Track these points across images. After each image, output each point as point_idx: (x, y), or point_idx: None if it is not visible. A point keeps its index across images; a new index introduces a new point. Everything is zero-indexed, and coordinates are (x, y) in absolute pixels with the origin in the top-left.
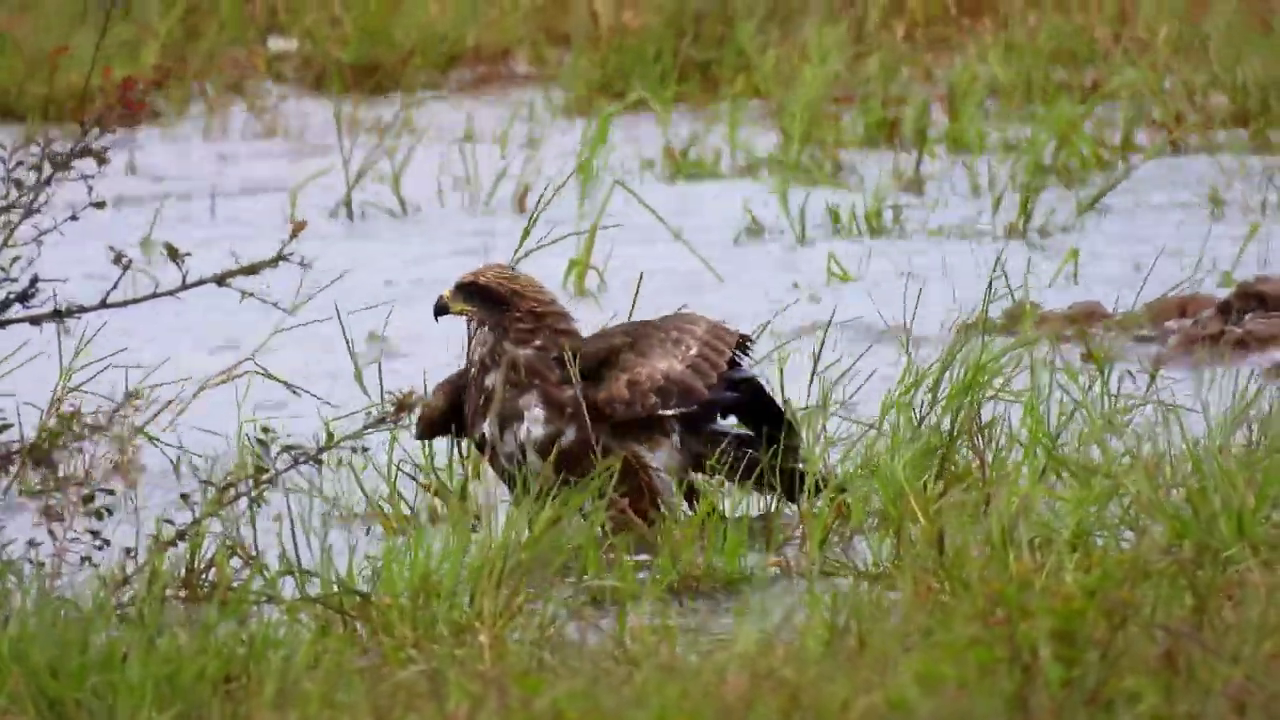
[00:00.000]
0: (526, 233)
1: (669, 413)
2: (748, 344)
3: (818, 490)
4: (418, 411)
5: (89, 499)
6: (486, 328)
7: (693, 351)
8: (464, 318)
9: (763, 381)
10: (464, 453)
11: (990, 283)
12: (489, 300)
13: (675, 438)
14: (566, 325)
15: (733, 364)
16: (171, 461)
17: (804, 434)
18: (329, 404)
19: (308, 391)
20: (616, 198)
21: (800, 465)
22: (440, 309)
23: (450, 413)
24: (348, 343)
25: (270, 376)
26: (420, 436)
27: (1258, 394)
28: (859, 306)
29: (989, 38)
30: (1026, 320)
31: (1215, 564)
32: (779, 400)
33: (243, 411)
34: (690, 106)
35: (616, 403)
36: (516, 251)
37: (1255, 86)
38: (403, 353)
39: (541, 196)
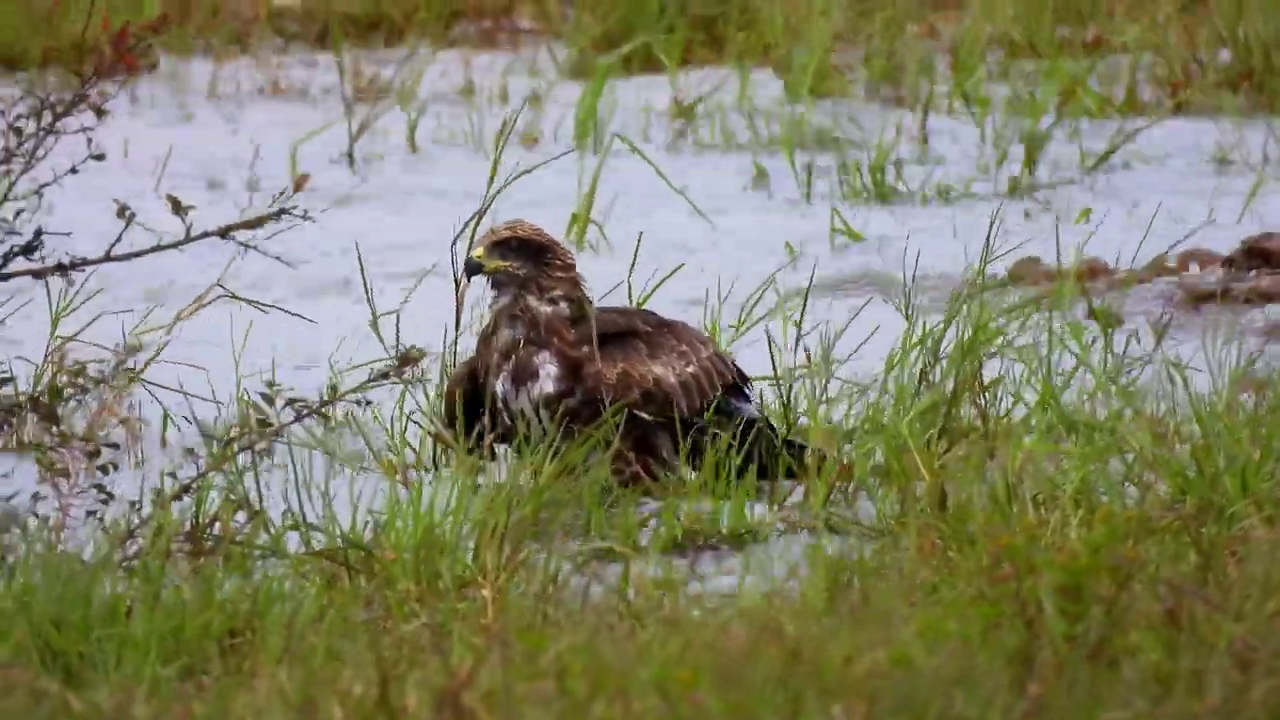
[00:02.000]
0: (493, 180)
1: (643, 415)
2: (746, 382)
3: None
4: (429, 375)
5: (94, 454)
6: (506, 285)
7: (690, 369)
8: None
9: (764, 424)
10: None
11: (988, 239)
12: (530, 252)
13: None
14: (582, 287)
15: (740, 393)
16: (169, 416)
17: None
18: (307, 320)
19: (279, 308)
20: (620, 155)
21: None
22: (474, 269)
23: (473, 387)
24: (366, 290)
25: (245, 300)
26: (448, 414)
27: (1260, 351)
28: (862, 264)
29: None
30: (1030, 278)
31: (1219, 520)
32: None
33: (243, 365)
34: (696, 63)
35: (603, 385)
36: (488, 189)
37: (1258, 43)
38: (411, 308)
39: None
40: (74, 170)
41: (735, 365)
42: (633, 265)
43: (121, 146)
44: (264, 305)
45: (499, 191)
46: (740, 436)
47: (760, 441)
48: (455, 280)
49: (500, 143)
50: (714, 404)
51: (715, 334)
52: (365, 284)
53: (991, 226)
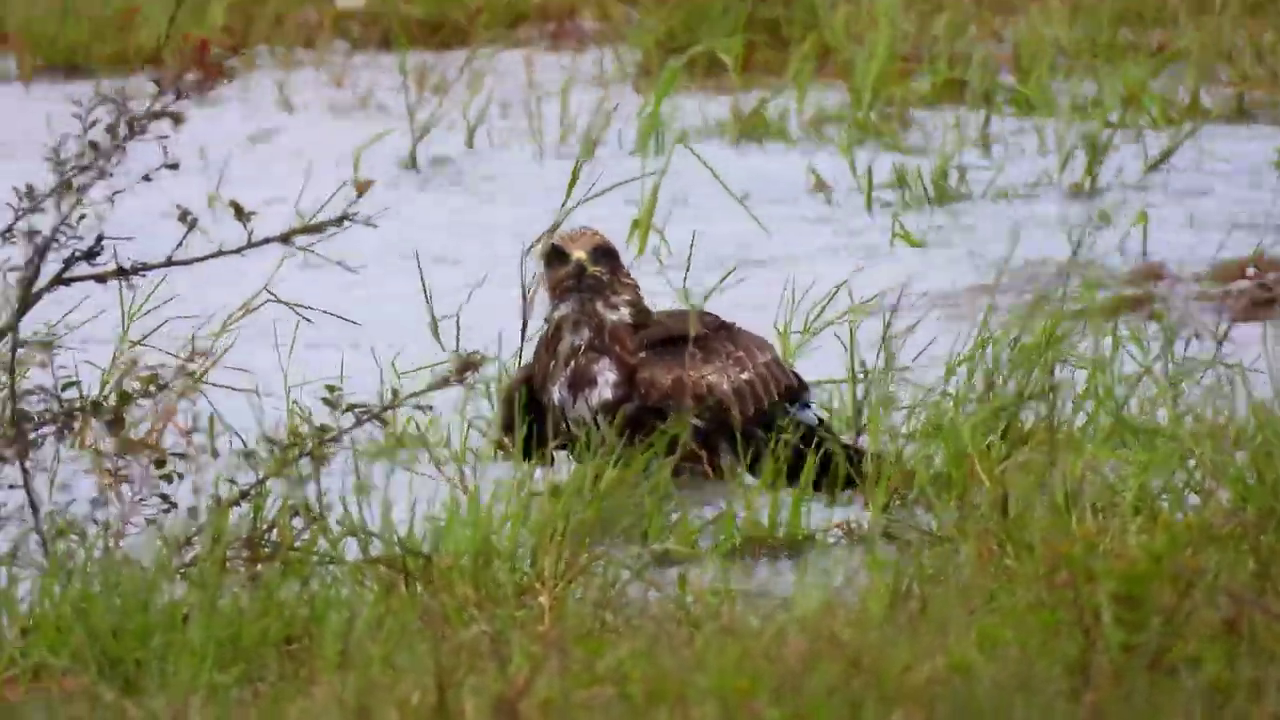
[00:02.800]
0: (575, 175)
1: (695, 421)
2: (805, 389)
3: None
4: (493, 381)
5: (160, 463)
6: (574, 292)
7: (745, 376)
8: (532, 281)
9: (824, 428)
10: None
11: (1074, 250)
12: (611, 259)
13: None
14: (640, 295)
15: (799, 400)
16: (228, 423)
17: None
18: (352, 321)
19: (332, 314)
20: (681, 160)
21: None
22: (581, 271)
23: (530, 393)
24: (425, 294)
25: (287, 305)
26: (503, 416)
27: None
28: (925, 269)
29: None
30: (1094, 283)
31: (1279, 529)
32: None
33: (302, 372)
34: (759, 66)
35: (655, 390)
36: (564, 202)
37: None
38: (472, 311)
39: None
40: (147, 178)
41: (794, 372)
42: (686, 269)
43: (193, 152)
44: (306, 309)
45: (576, 205)
46: (801, 444)
47: (820, 449)
48: (523, 289)
49: (578, 168)
50: (771, 411)
51: (786, 341)
52: (425, 290)
53: (1082, 236)
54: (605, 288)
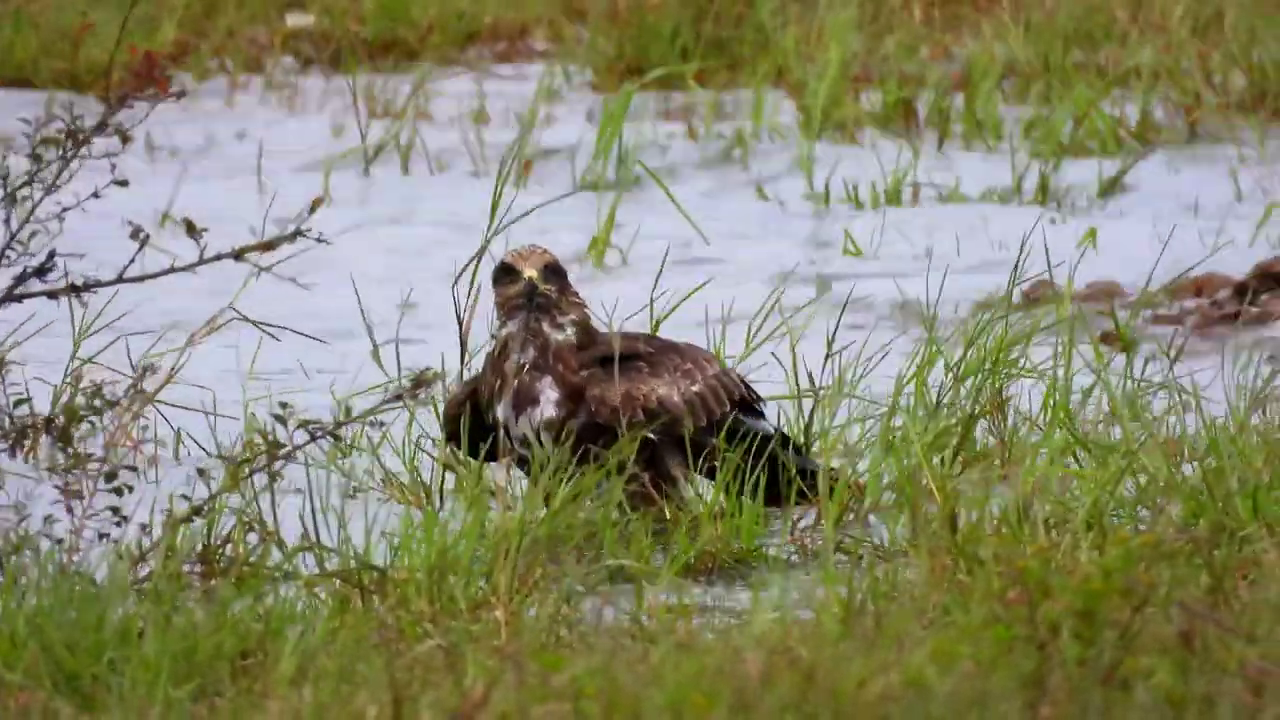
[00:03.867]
0: (495, 206)
1: (647, 433)
2: (758, 400)
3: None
4: (439, 397)
5: (111, 476)
6: (521, 310)
7: (695, 388)
8: (469, 301)
9: (779, 440)
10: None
11: (1017, 264)
12: (559, 277)
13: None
14: (588, 315)
15: (753, 411)
16: (183, 438)
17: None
18: (318, 340)
19: (291, 330)
20: (636, 178)
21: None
22: (533, 290)
23: (473, 408)
24: (364, 318)
25: (253, 323)
26: (447, 431)
27: (1274, 374)
28: (875, 284)
29: (1007, 18)
30: (1045, 300)
31: (1231, 543)
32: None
33: (257, 389)
34: (712, 86)
35: (605, 406)
36: (490, 225)
37: (1272, 66)
38: (418, 327)
39: (586, 171)
40: (96, 195)
41: (746, 384)
42: (655, 282)
43: (135, 169)
44: (272, 328)
45: (499, 231)
46: (755, 453)
47: (774, 458)
48: (457, 315)
49: (501, 180)
50: (724, 421)
51: (726, 354)
52: (364, 316)
53: (1021, 250)
54: (553, 306)
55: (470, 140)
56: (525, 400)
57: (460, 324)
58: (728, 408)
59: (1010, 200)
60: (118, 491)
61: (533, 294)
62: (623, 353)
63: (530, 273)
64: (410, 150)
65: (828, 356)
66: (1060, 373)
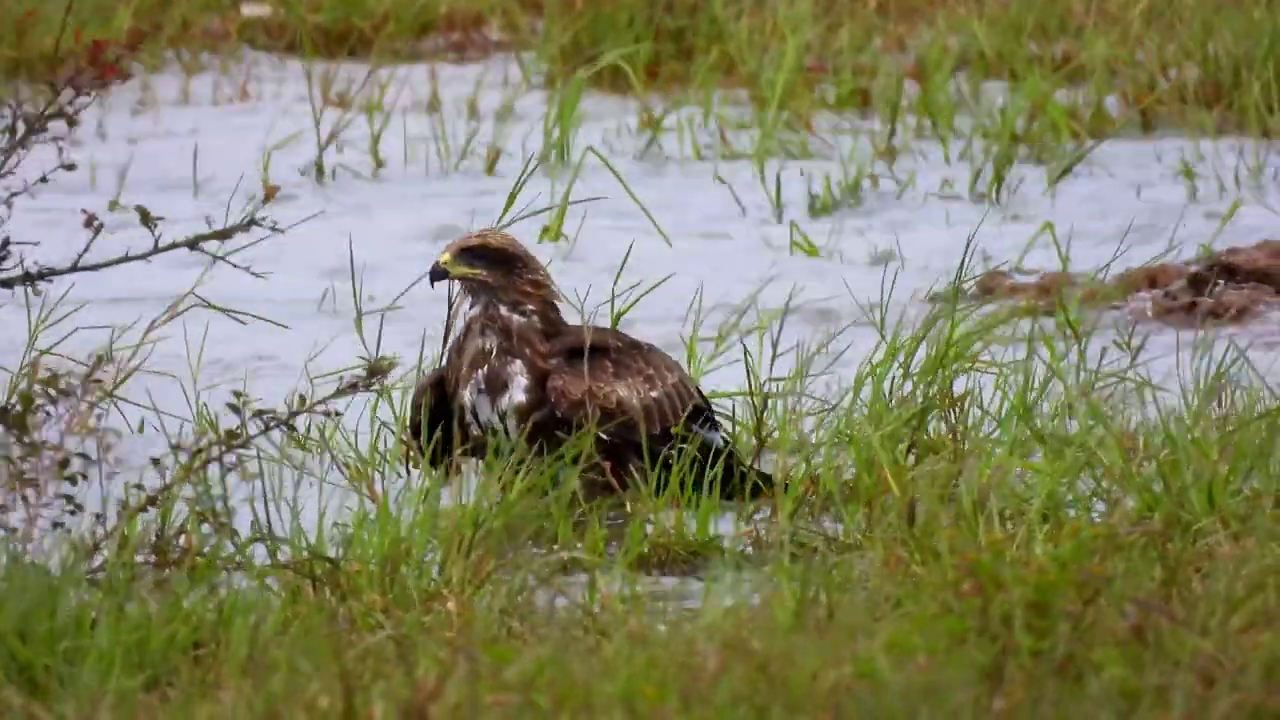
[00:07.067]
0: (512, 199)
1: (601, 434)
2: (710, 410)
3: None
4: (398, 383)
5: (64, 464)
6: (478, 293)
7: (654, 394)
8: (453, 283)
9: (729, 453)
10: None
11: (964, 260)
12: (499, 262)
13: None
14: (556, 303)
15: (706, 422)
16: (132, 426)
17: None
18: (281, 326)
19: (255, 315)
20: (589, 167)
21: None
22: (439, 274)
23: (439, 397)
24: (356, 295)
25: (220, 309)
26: (413, 425)
27: (1230, 365)
28: (832, 281)
29: (961, 9)
30: (999, 292)
31: (1185, 536)
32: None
33: (214, 376)
34: (665, 77)
35: (565, 399)
36: (500, 219)
37: (1227, 60)
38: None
39: (526, 165)
40: (44, 179)
41: (701, 394)
42: (617, 278)
43: (90, 158)
44: (239, 314)
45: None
46: (707, 465)
47: (725, 468)
48: (449, 300)
49: (524, 174)
50: (678, 431)
51: (693, 353)
52: (355, 289)
53: (968, 245)
54: (498, 290)
55: (426, 129)
56: (496, 384)
57: (450, 306)
58: (682, 416)
59: (963, 192)
60: (71, 480)
61: (435, 276)
62: (594, 344)
63: (444, 256)
64: (369, 140)
65: (774, 356)
66: (1012, 365)
